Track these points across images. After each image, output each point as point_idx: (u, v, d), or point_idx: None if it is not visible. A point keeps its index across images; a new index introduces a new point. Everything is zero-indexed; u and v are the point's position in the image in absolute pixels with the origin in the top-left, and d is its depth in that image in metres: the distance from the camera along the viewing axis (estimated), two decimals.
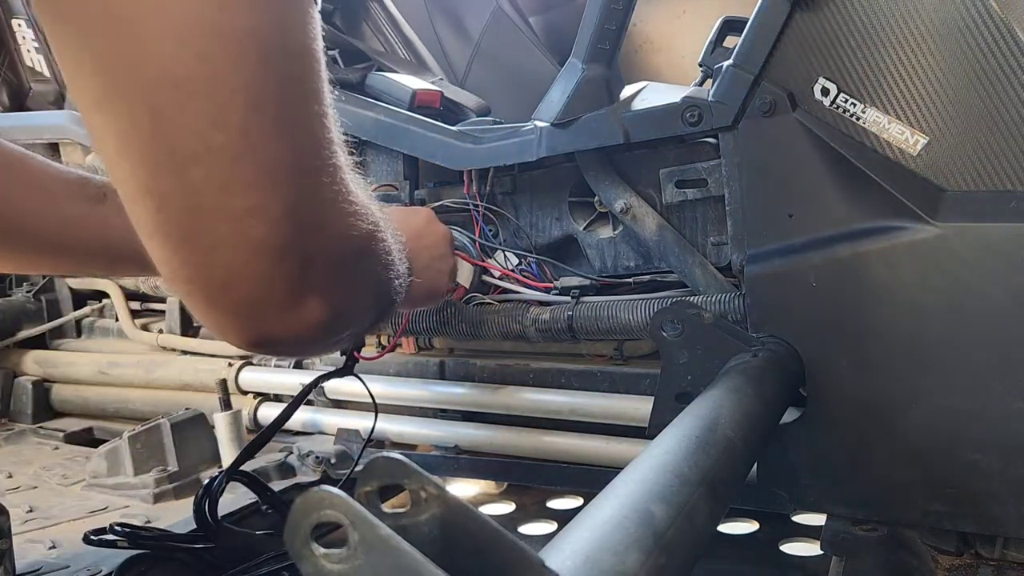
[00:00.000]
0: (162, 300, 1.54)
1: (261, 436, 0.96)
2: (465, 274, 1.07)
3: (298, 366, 1.33)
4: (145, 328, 1.56)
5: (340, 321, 0.56)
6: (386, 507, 0.30)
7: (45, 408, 1.59)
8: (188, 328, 1.50)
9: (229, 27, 0.43)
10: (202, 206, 0.46)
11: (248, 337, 0.52)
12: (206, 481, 0.90)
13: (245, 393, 1.35)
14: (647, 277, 1.02)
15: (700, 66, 1.06)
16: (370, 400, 1.12)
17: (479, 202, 1.10)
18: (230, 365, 1.36)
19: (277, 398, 1.34)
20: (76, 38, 0.43)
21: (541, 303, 1.06)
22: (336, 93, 0.52)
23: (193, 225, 0.46)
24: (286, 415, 1.00)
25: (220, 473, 0.91)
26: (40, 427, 1.52)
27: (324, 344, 0.58)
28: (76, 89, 0.46)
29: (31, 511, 1.07)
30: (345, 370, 1.06)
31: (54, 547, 0.94)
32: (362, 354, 1.10)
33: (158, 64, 0.43)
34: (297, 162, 0.48)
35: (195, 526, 0.92)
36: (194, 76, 0.43)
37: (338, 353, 1.12)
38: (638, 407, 1.00)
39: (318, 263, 0.51)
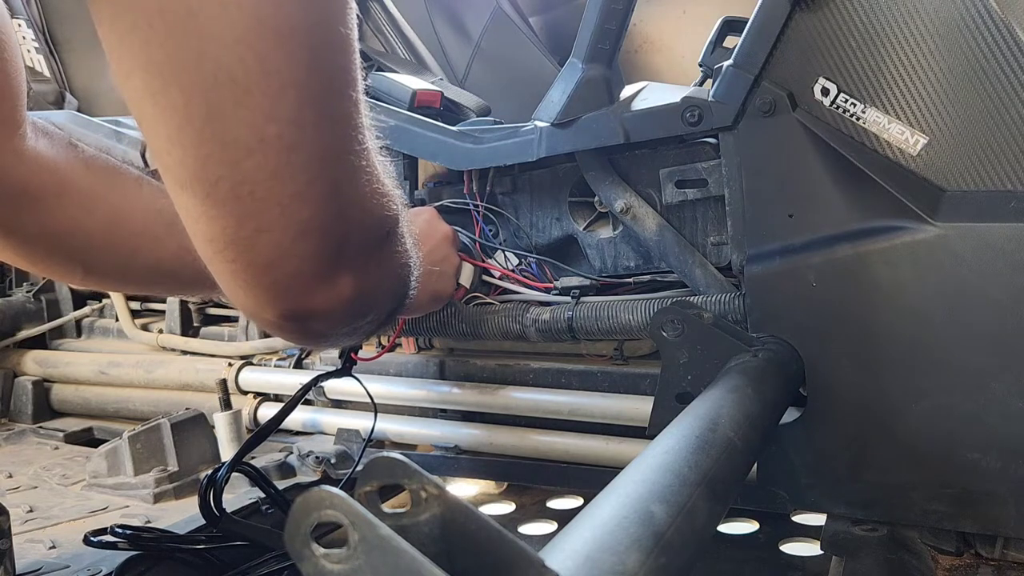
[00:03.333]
0: (162, 300, 1.54)
1: (261, 431, 0.96)
2: (466, 274, 1.07)
3: (298, 366, 1.33)
4: (145, 328, 1.56)
5: (367, 300, 0.58)
6: (386, 507, 0.30)
7: (45, 408, 1.60)
8: (188, 328, 1.51)
9: (285, 24, 0.45)
10: (252, 193, 0.48)
11: (282, 312, 0.54)
12: (209, 472, 0.90)
13: (245, 393, 1.35)
14: (647, 277, 1.02)
15: (700, 66, 1.06)
16: (370, 400, 1.13)
17: (479, 202, 1.10)
18: (230, 365, 1.36)
19: (277, 398, 1.34)
20: (134, 35, 0.44)
21: (541, 303, 1.06)
22: None
23: (242, 210, 0.48)
24: (286, 412, 1.00)
25: (224, 464, 0.91)
26: (40, 427, 1.52)
27: (350, 323, 0.60)
28: (129, 82, 0.46)
29: (31, 511, 1.07)
30: (343, 371, 1.07)
31: (54, 547, 0.94)
32: (361, 354, 1.10)
33: (216, 61, 0.44)
34: (339, 147, 0.51)
35: (195, 526, 0.93)
36: (250, 72, 0.44)
37: (336, 355, 1.12)
38: (638, 407, 1.00)
39: (354, 241, 0.54)
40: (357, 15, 0.50)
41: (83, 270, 0.79)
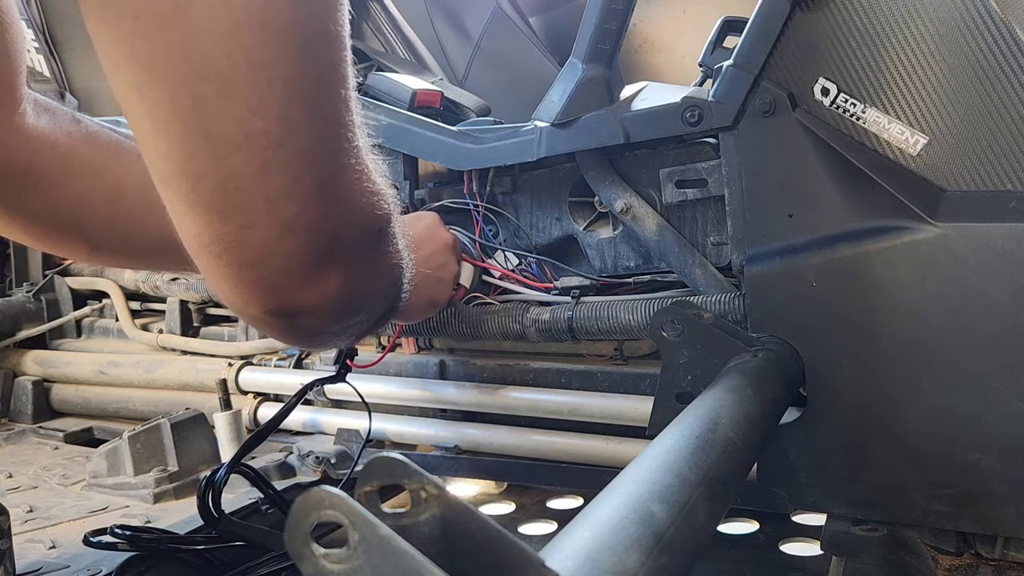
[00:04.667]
0: (162, 300, 1.54)
1: (257, 435, 0.96)
2: (466, 274, 1.07)
3: (298, 366, 1.33)
4: (145, 328, 1.56)
5: (356, 299, 0.58)
6: (386, 507, 0.30)
7: (45, 408, 1.60)
8: (188, 328, 1.50)
9: (273, 19, 0.44)
10: (239, 188, 0.47)
11: (267, 308, 0.54)
12: (208, 473, 0.90)
13: (245, 393, 1.35)
14: (647, 277, 1.02)
15: (700, 66, 1.07)
16: (370, 399, 1.13)
17: (479, 202, 1.10)
18: (230, 365, 1.36)
19: (277, 398, 1.34)
20: (120, 27, 0.44)
21: (541, 303, 1.06)
22: None
23: (227, 205, 0.48)
24: (282, 416, 1.00)
25: (223, 465, 0.91)
26: (40, 427, 1.52)
27: (339, 322, 0.60)
28: (116, 75, 0.46)
29: (31, 511, 1.07)
30: (338, 376, 1.07)
31: (54, 547, 0.94)
32: (359, 355, 1.10)
33: (203, 55, 0.43)
34: (328, 144, 0.50)
35: (195, 526, 0.92)
36: (237, 67, 0.44)
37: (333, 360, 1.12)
38: (638, 407, 1.00)
39: (344, 238, 0.53)
40: (351, 13, 0.50)
41: (89, 246, 0.79)
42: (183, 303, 1.50)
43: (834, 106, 0.78)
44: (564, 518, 1.12)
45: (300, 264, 0.52)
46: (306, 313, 0.55)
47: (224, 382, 1.23)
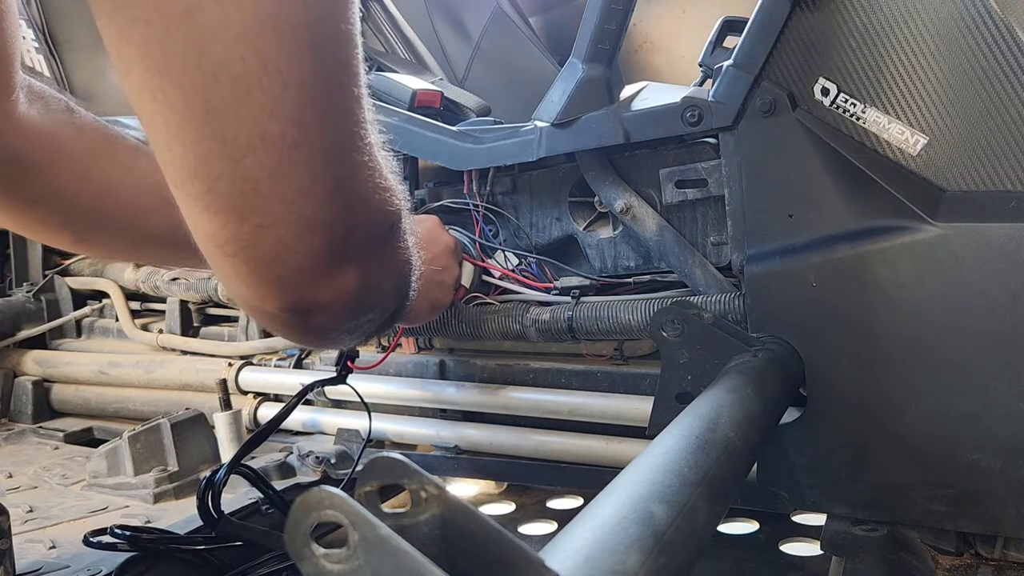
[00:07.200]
0: (162, 300, 1.54)
1: (256, 436, 0.96)
2: (466, 274, 1.08)
3: (298, 366, 1.33)
4: (145, 328, 1.56)
5: (370, 295, 0.58)
6: (386, 507, 0.30)
7: (45, 408, 1.60)
8: (188, 328, 1.51)
9: (286, 22, 0.44)
10: (255, 189, 0.47)
11: (284, 305, 0.54)
12: (207, 474, 0.90)
13: (245, 393, 1.35)
14: (647, 277, 1.02)
15: (700, 66, 1.07)
16: (370, 399, 1.12)
17: (479, 202, 1.10)
18: (230, 365, 1.36)
19: (277, 398, 1.34)
20: (132, 31, 0.43)
21: (541, 303, 1.06)
22: None
23: (243, 206, 0.48)
24: (281, 417, 1.00)
25: (222, 465, 0.91)
26: (40, 427, 1.52)
27: (352, 318, 0.60)
28: (128, 78, 0.46)
29: (31, 511, 1.07)
30: (338, 379, 1.07)
31: (54, 547, 0.94)
32: (360, 356, 1.10)
33: (215, 59, 0.43)
34: (342, 143, 0.50)
35: (195, 526, 0.93)
36: (251, 71, 0.44)
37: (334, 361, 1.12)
38: (638, 407, 1.00)
39: (358, 236, 0.54)
40: (365, 22, 0.50)
41: (73, 236, 0.79)
42: (183, 303, 1.50)
43: (834, 106, 0.78)
44: (564, 518, 1.12)
45: (316, 261, 0.52)
46: (321, 310, 0.55)
47: (224, 382, 1.23)
